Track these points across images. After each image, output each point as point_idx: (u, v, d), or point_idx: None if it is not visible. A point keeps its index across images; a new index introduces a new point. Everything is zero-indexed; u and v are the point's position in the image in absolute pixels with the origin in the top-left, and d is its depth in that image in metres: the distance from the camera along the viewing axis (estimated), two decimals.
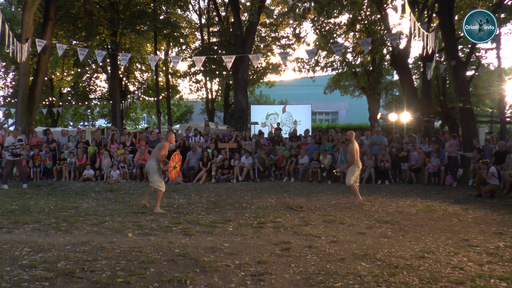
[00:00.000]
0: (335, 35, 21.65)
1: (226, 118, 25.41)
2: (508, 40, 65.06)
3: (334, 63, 24.57)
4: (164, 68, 29.03)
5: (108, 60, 25.47)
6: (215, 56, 18.38)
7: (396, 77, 26.13)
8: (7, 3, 28.37)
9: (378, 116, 23.40)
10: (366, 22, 20.64)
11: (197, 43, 28.73)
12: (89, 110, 34.49)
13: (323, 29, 20.98)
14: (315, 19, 20.56)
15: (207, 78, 27.84)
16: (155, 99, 26.67)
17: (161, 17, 23.32)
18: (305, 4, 19.46)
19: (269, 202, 8.46)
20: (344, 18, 31.89)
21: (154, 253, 4.74)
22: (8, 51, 13.51)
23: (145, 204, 7.68)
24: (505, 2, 13.74)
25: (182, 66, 32.23)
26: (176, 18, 26.06)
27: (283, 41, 25.95)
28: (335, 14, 18.99)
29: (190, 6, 27.43)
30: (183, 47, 26.85)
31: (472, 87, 20.42)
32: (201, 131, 15.07)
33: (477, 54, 21.72)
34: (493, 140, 12.14)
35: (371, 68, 23.37)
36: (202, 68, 19.96)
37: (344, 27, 21.67)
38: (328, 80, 29.27)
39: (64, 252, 4.74)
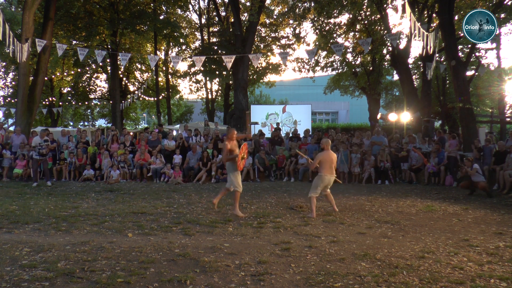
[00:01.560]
0: (335, 35, 21.65)
1: (226, 118, 25.41)
2: (508, 40, 65.25)
3: (334, 63, 24.57)
4: (164, 68, 29.04)
5: (108, 60, 25.49)
6: (215, 56, 18.39)
7: (396, 77, 26.14)
8: (7, 3, 28.37)
9: (378, 116, 23.40)
10: (366, 22, 20.64)
11: (197, 43, 28.76)
12: (89, 110, 34.50)
13: (323, 29, 20.98)
14: (315, 19, 20.57)
15: (207, 78, 27.86)
16: (155, 99, 26.71)
17: (161, 17, 23.34)
18: (305, 4, 19.47)
19: (269, 202, 8.46)
20: (344, 18, 31.92)
21: (154, 253, 4.74)
22: (8, 51, 13.51)
23: (215, 203, 7.45)
24: (505, 2, 13.75)
25: (182, 66, 32.30)
26: (176, 18, 26.08)
27: (283, 41, 25.98)
28: (335, 14, 19.01)
29: (190, 6, 27.48)
30: (183, 47, 26.87)
31: (472, 87, 20.44)
32: (201, 131, 15.07)
33: (477, 54, 21.74)
34: (493, 140, 12.15)
35: (371, 68, 23.37)
36: (202, 68, 19.97)
37: (344, 27, 21.67)
38: (328, 80, 29.27)
39: (64, 252, 4.74)
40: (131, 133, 15.61)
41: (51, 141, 13.35)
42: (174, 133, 17.84)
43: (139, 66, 30.77)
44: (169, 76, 29.66)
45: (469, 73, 16.94)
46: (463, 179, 10.01)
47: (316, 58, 23.51)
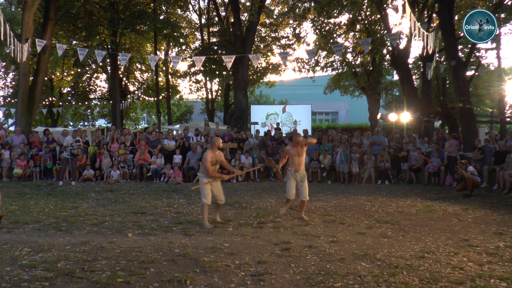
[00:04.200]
0: (335, 35, 21.65)
1: (226, 118, 25.41)
2: (508, 40, 65.01)
3: (334, 63, 24.58)
4: (164, 68, 29.03)
5: (108, 60, 25.48)
6: (215, 56, 18.39)
7: (396, 77, 26.15)
8: (7, 3, 28.38)
9: (378, 116, 23.42)
10: (366, 22, 20.64)
11: (197, 43, 28.74)
12: (89, 110, 34.47)
13: (323, 29, 20.98)
14: (315, 19, 20.57)
15: (207, 78, 27.85)
16: (155, 99, 26.69)
17: (161, 17, 23.33)
18: (305, 4, 19.47)
19: (269, 202, 8.46)
20: (344, 18, 31.94)
21: (154, 253, 4.74)
22: (8, 51, 13.52)
23: (305, 218, 6.75)
24: (505, 2, 13.75)
25: (182, 66, 32.29)
26: (176, 18, 26.07)
27: (283, 41, 25.96)
28: (335, 14, 19.01)
29: (190, 6, 27.47)
30: (183, 47, 26.85)
31: (472, 87, 20.43)
32: (201, 131, 15.08)
33: (477, 54, 21.73)
34: (492, 139, 12.15)
35: (371, 68, 23.38)
36: (202, 68, 19.95)
37: (344, 27, 21.68)
38: (328, 80, 29.28)
39: (64, 252, 4.74)
40: (131, 132, 15.59)
41: (50, 141, 13.40)
42: (174, 133, 17.82)
43: (139, 66, 30.75)
44: (169, 76, 29.65)
45: (469, 73, 16.92)
46: (459, 181, 10.06)
47: (316, 58, 23.52)
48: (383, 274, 4.04)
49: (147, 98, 31.21)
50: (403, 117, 17.74)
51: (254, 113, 23.59)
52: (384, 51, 21.05)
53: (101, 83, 32.54)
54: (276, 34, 26.09)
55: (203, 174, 6.32)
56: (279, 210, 7.34)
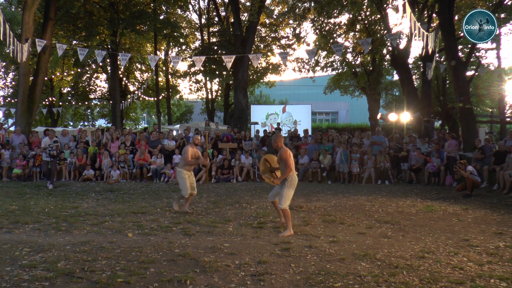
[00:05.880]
0: (335, 35, 21.67)
1: (226, 118, 25.41)
2: (508, 40, 65.21)
3: (334, 63, 24.60)
4: (164, 68, 29.03)
5: (108, 60, 25.49)
6: (215, 56, 18.38)
7: (396, 77, 26.16)
8: (7, 3, 28.39)
9: (378, 116, 23.43)
10: (366, 22, 20.65)
11: (197, 43, 28.75)
12: (89, 110, 34.49)
13: (323, 29, 20.99)
14: (315, 19, 20.59)
15: (207, 78, 27.86)
16: (155, 99, 26.70)
17: (161, 17, 23.33)
18: (305, 4, 19.48)
19: (269, 202, 8.44)
20: (344, 18, 31.94)
21: (154, 253, 4.74)
22: (8, 51, 13.52)
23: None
24: (505, 2, 13.76)
25: (182, 66, 32.29)
26: (176, 18, 26.07)
27: (283, 41, 25.98)
28: (335, 14, 19.02)
29: (190, 6, 27.48)
30: (183, 47, 26.86)
31: (472, 87, 20.44)
32: (201, 131, 15.08)
33: (477, 54, 21.75)
34: (492, 139, 12.16)
35: (371, 68, 23.39)
36: (202, 68, 19.96)
37: (344, 27, 21.68)
38: (328, 80, 29.29)
39: (64, 252, 4.74)
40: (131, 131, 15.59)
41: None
42: (174, 133, 17.84)
43: (139, 66, 30.76)
44: (169, 76, 29.66)
45: (469, 73, 16.95)
46: (459, 181, 10.05)
47: (316, 58, 23.53)
48: (383, 274, 4.04)
49: (147, 98, 31.22)
50: (403, 117, 17.75)
51: (254, 113, 23.59)
52: (384, 51, 21.07)
53: (101, 83, 32.61)
54: (276, 34, 26.10)
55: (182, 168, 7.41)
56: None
